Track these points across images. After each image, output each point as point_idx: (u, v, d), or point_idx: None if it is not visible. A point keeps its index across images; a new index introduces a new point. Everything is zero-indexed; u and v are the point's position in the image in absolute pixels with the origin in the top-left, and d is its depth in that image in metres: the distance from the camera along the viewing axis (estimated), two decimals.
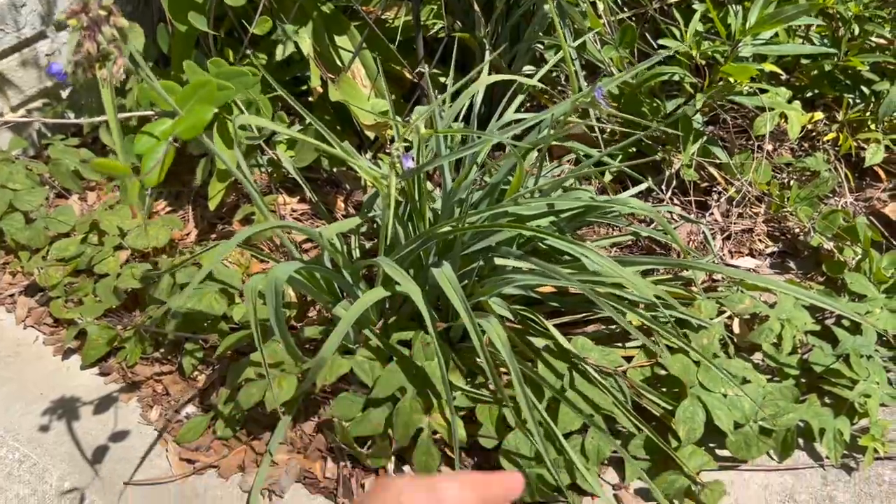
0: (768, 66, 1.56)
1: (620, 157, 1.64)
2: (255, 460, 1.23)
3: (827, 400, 1.27)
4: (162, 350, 1.40)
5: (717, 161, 1.65)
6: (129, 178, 0.65)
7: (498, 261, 1.22)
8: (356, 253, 1.45)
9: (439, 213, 1.34)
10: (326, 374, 1.18)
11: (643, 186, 1.58)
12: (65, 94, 1.88)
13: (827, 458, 1.23)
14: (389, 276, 1.07)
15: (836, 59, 1.69)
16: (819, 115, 1.72)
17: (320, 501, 1.19)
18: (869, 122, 1.71)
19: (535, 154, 1.40)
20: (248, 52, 1.54)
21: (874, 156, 1.63)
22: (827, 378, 1.27)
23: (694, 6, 1.66)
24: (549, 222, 1.24)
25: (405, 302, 1.32)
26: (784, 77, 1.76)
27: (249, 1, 1.42)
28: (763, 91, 1.57)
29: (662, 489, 1.14)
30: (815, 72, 1.76)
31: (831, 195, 1.69)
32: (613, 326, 1.36)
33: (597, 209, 1.26)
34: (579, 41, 1.55)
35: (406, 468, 1.22)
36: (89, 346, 1.37)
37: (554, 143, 1.53)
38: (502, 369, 1.23)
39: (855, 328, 1.33)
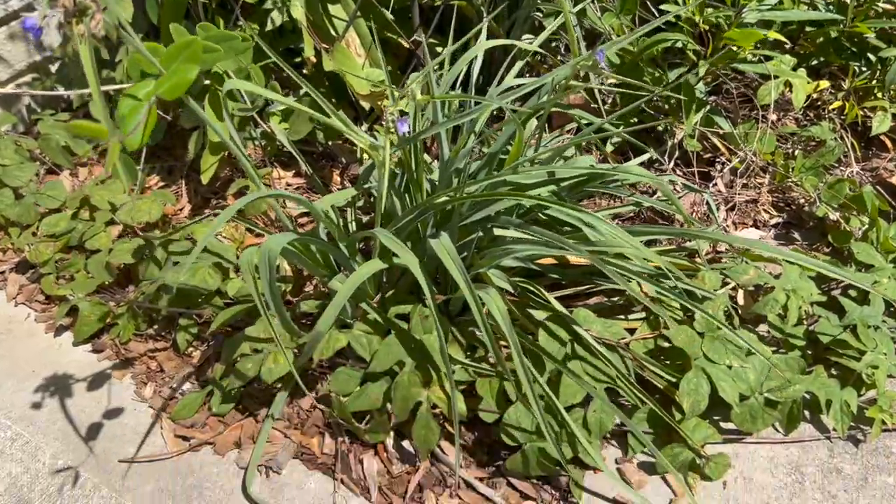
0: (773, 35, 1.51)
1: (622, 126, 1.60)
2: (252, 436, 1.21)
3: (833, 371, 1.25)
4: (156, 326, 1.38)
5: (721, 131, 1.62)
6: (109, 139, 0.62)
7: (497, 231, 1.20)
8: (352, 226, 1.42)
9: (437, 183, 1.31)
10: (324, 348, 1.16)
11: (646, 156, 1.54)
12: (54, 68, 1.84)
13: (834, 430, 1.21)
14: (386, 248, 1.05)
15: (841, 25, 1.64)
16: (824, 83, 1.68)
17: (318, 477, 1.17)
18: (875, 90, 1.67)
19: (534, 123, 1.37)
20: (240, 22, 1.50)
21: (881, 124, 1.59)
22: (833, 349, 1.25)
23: None
24: (549, 192, 1.21)
25: (403, 275, 1.29)
26: (788, 45, 1.72)
27: None
28: (768, 58, 1.53)
29: (666, 462, 1.12)
30: (821, 39, 1.72)
31: (837, 165, 1.66)
32: (616, 298, 1.33)
33: (599, 178, 1.23)
34: (580, 6, 1.51)
35: (405, 443, 1.20)
36: (81, 323, 1.35)
37: (554, 111, 1.49)
38: (502, 342, 1.21)
39: (862, 298, 1.31)
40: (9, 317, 1.44)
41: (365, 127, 1.65)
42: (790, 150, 1.68)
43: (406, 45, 1.61)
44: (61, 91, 1.80)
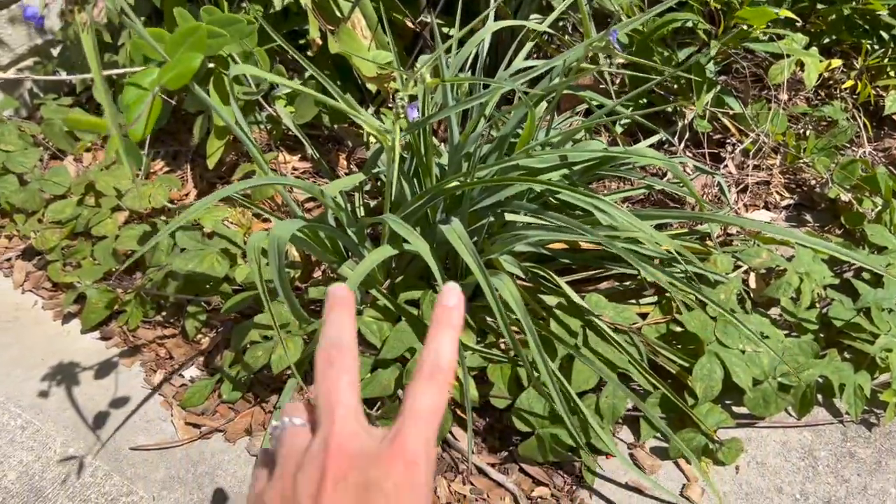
0: (784, 13, 1.49)
1: (632, 108, 1.58)
2: (263, 423, 1.21)
3: (847, 355, 1.24)
4: (164, 313, 1.37)
5: (731, 111, 1.60)
6: (110, 131, 0.61)
7: (509, 216, 1.18)
8: (360, 211, 1.41)
9: (446, 168, 1.29)
10: None
11: (656, 138, 1.52)
12: (56, 51, 1.82)
13: (847, 413, 1.20)
14: (396, 234, 1.03)
15: (854, 2, 1.62)
16: (836, 61, 1.66)
17: None
18: (888, 69, 1.65)
19: (544, 105, 1.35)
20: (244, 4, 1.48)
21: (894, 103, 1.57)
22: (847, 332, 1.24)
23: None
24: (561, 176, 1.19)
25: (412, 261, 1.28)
26: (800, 23, 1.69)
27: None
28: (779, 37, 1.51)
29: (679, 447, 1.12)
30: (833, 16, 1.69)
31: (849, 145, 1.64)
32: (627, 283, 1.32)
33: (611, 161, 1.21)
34: None
35: None
36: (89, 310, 1.34)
37: (565, 93, 1.47)
38: (513, 328, 1.20)
39: (876, 281, 1.29)
40: (16, 304, 1.43)
41: (371, 110, 1.63)
42: (802, 131, 1.66)
43: (412, 25, 1.59)
44: (64, 76, 1.78)
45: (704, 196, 1.55)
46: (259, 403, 1.24)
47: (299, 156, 1.65)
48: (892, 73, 1.62)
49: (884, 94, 1.61)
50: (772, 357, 1.15)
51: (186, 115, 1.67)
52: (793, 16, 1.53)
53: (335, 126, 1.65)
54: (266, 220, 1.46)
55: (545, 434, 1.09)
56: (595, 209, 1.06)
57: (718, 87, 1.58)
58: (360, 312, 1.20)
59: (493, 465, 1.15)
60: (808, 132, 1.63)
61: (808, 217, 1.54)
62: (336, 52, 1.44)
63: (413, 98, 1.08)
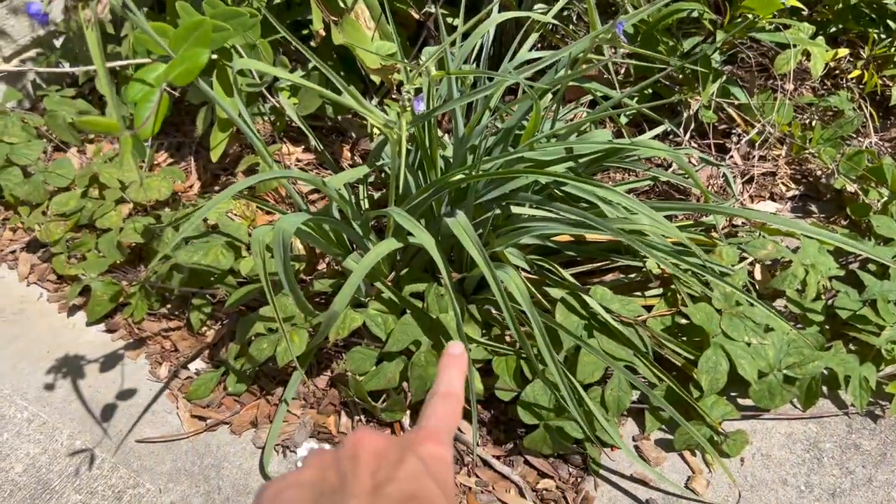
0: (790, 1, 1.48)
1: (637, 98, 1.58)
2: (268, 416, 1.21)
3: (852, 346, 1.24)
4: (169, 306, 1.37)
5: (737, 102, 1.59)
6: (120, 133, 0.60)
7: (514, 209, 1.18)
8: (364, 203, 1.41)
9: (451, 160, 1.29)
10: (339, 328, 1.15)
11: (661, 129, 1.52)
12: (58, 42, 1.82)
13: (852, 405, 1.20)
14: (400, 226, 1.03)
15: None
16: (843, 51, 1.65)
17: None
18: (895, 59, 1.63)
19: (549, 97, 1.34)
20: None
21: None
22: (852, 324, 1.24)
23: None
24: (566, 168, 1.19)
25: (417, 253, 1.28)
26: (806, 12, 1.68)
27: None
28: (786, 27, 1.50)
29: (684, 439, 1.12)
30: (839, 5, 1.68)
31: (855, 135, 1.63)
32: (633, 275, 1.32)
33: (617, 153, 1.21)
34: None
35: None
36: (94, 303, 1.34)
37: (570, 84, 1.47)
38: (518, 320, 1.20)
39: (882, 272, 1.29)
40: (21, 297, 1.44)
41: (375, 101, 1.63)
42: (808, 121, 1.65)
43: (415, 16, 1.58)
44: (67, 68, 1.78)
45: (710, 187, 1.54)
46: (264, 396, 1.24)
47: (303, 147, 1.65)
48: None
49: (890, 84, 1.60)
50: (777, 349, 1.15)
51: (190, 107, 1.66)
52: (799, 4, 1.52)
53: (339, 117, 1.65)
54: (270, 213, 1.46)
55: (550, 426, 1.10)
56: (601, 200, 1.06)
57: (724, 78, 1.57)
58: (365, 305, 1.20)
59: (498, 458, 1.16)
60: (814, 122, 1.62)
61: (813, 208, 1.53)
62: (339, 44, 1.44)
63: (418, 91, 1.07)
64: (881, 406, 1.21)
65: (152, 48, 0.79)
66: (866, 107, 1.62)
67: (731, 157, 1.58)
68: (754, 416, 1.20)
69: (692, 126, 1.60)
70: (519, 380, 1.14)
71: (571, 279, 1.19)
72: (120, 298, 1.35)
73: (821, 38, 1.59)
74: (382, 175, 1.54)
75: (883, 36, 1.67)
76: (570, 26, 1.73)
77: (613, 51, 1.45)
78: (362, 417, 1.20)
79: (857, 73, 1.66)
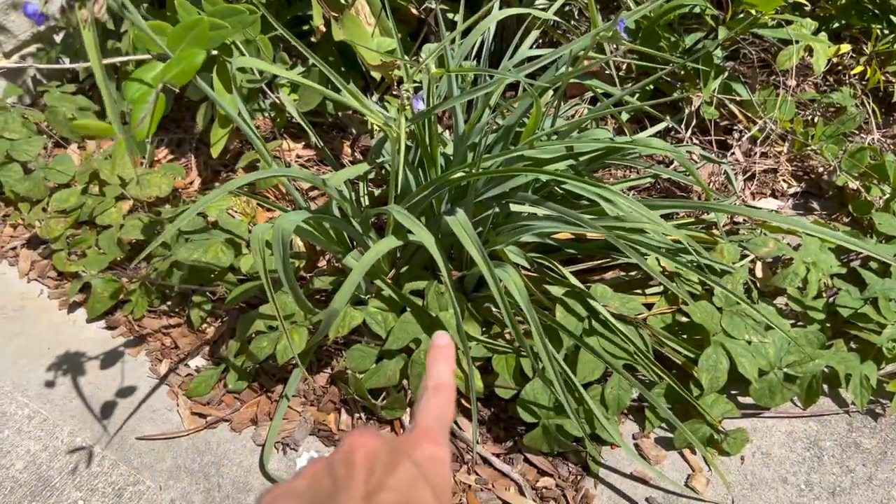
0: None
1: (638, 95, 1.57)
2: (268, 413, 1.21)
3: (853, 345, 1.24)
4: (169, 303, 1.37)
5: (739, 98, 1.58)
6: (115, 136, 0.60)
7: (514, 207, 1.17)
8: (365, 200, 1.40)
9: (451, 158, 1.28)
10: (339, 326, 1.15)
11: (662, 126, 1.51)
12: (59, 38, 1.81)
13: (853, 403, 1.20)
14: (400, 224, 1.03)
15: None
16: (846, 47, 1.64)
17: None
18: None
19: (550, 94, 1.34)
20: None
21: None
22: (853, 322, 1.23)
23: None
24: (566, 166, 1.18)
25: (417, 251, 1.27)
26: (808, 8, 1.67)
27: None
28: (788, 23, 1.49)
29: (684, 438, 1.12)
30: (842, 1, 1.67)
31: (858, 132, 1.62)
32: (633, 273, 1.31)
33: (617, 151, 1.20)
34: None
35: None
36: (94, 300, 1.34)
37: (571, 81, 1.46)
38: (517, 318, 1.20)
39: (883, 270, 1.29)
40: (21, 293, 1.44)
41: (376, 97, 1.62)
42: (810, 117, 1.65)
43: (416, 12, 1.57)
44: (67, 64, 1.77)
45: (711, 184, 1.54)
46: (265, 393, 1.24)
47: (303, 143, 1.64)
48: None
49: (893, 81, 1.59)
50: (778, 347, 1.15)
51: (190, 103, 1.66)
52: (801, 0, 1.51)
53: (339, 113, 1.64)
54: (270, 210, 1.46)
55: (550, 425, 1.10)
56: (601, 199, 1.05)
57: (726, 74, 1.56)
58: (365, 303, 1.20)
59: (498, 456, 1.16)
60: (816, 119, 1.62)
61: (815, 205, 1.53)
62: (340, 40, 1.43)
63: (418, 89, 1.07)
64: (882, 404, 1.21)
65: (151, 48, 0.79)
66: (869, 103, 1.61)
67: (733, 153, 1.57)
68: (755, 415, 1.20)
69: (694, 123, 1.59)
70: (519, 378, 1.14)
71: (572, 277, 1.19)
72: (120, 295, 1.35)
73: (823, 33, 1.58)
74: (383, 171, 1.54)
75: (886, 32, 1.66)
76: (572, 22, 1.73)
77: (615, 47, 1.44)
78: (362, 415, 1.20)
79: (859, 69, 1.65)
